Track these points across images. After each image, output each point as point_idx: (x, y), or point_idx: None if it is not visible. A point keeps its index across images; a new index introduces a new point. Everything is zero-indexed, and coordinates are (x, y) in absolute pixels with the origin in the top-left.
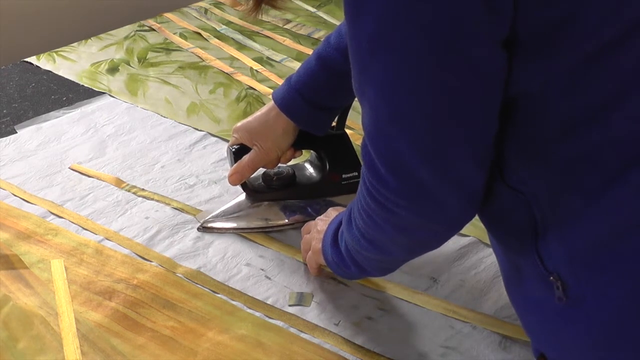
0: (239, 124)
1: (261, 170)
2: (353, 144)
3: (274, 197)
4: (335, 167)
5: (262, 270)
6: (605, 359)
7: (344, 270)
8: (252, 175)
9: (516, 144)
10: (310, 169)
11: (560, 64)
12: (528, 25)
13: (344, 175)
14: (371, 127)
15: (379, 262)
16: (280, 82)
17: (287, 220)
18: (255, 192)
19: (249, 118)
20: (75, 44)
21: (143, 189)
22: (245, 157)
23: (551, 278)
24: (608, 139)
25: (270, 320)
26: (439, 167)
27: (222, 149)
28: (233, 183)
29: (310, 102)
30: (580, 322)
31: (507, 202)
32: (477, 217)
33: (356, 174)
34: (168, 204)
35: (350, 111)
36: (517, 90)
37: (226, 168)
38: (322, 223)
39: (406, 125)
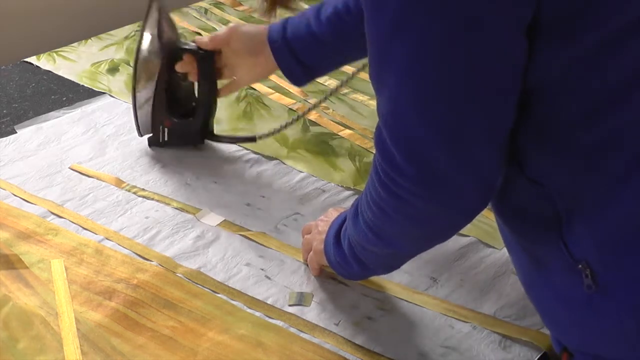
0: (241, 28)
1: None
2: (352, 144)
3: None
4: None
5: (262, 270)
6: (637, 346)
7: (347, 270)
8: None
9: (538, 134)
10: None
11: (583, 46)
12: (552, 8)
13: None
14: (388, 115)
15: (384, 257)
16: (280, 82)
17: None
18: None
19: (250, 28)
20: (75, 44)
21: (143, 189)
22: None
23: (579, 266)
24: (631, 121)
25: (270, 320)
26: (458, 152)
27: (223, 149)
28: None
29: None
30: (610, 310)
31: (528, 195)
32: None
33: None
34: (168, 204)
35: (350, 112)
36: (540, 77)
37: (227, 169)
38: (322, 224)
39: (427, 108)
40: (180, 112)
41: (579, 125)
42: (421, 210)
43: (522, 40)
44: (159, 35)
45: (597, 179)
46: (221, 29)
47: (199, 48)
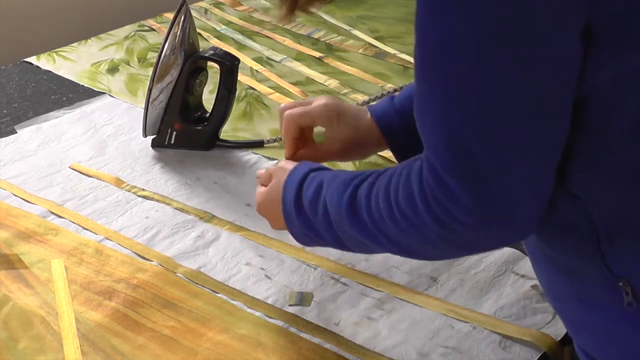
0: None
1: None
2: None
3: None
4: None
5: (262, 269)
6: None
7: (314, 241)
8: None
9: (582, 148)
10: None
11: (630, 60)
12: (606, 15)
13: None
14: (440, 144)
15: (380, 250)
16: (280, 82)
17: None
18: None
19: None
20: (75, 44)
21: (143, 189)
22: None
23: (620, 284)
24: None
25: (270, 320)
26: (515, 170)
27: (223, 150)
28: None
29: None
30: None
31: (567, 210)
32: None
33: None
34: (168, 204)
35: None
36: (589, 88)
37: (227, 169)
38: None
39: (482, 128)
40: (189, 117)
41: (624, 141)
42: (468, 238)
43: (579, 46)
44: (185, 38)
45: None
46: (318, 105)
47: (225, 57)
